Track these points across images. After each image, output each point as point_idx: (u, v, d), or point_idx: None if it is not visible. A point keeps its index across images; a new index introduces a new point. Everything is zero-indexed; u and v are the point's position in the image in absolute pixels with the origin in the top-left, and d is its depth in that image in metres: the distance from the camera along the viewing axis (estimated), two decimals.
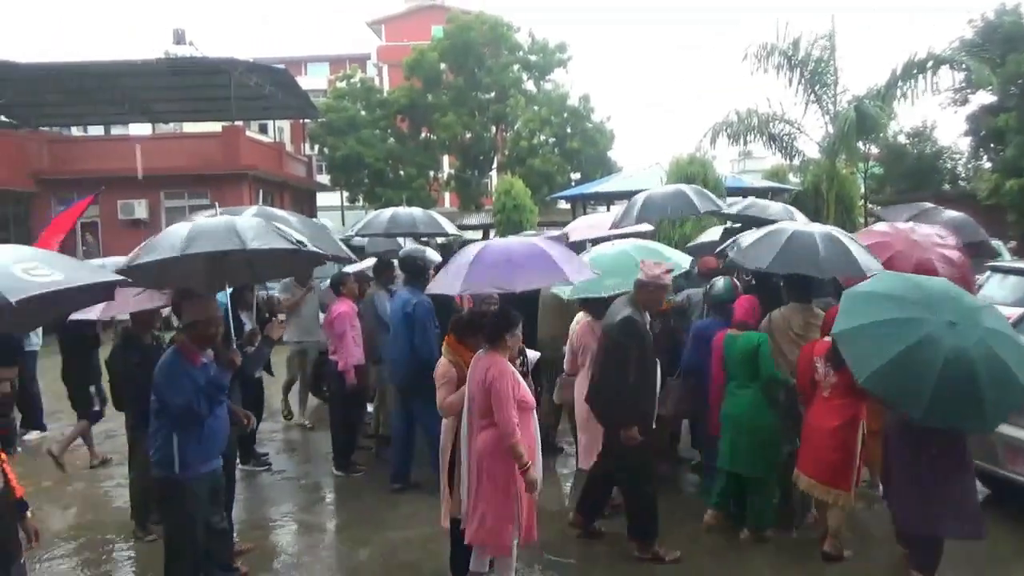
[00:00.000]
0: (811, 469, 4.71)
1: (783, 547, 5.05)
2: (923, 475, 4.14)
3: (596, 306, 5.68)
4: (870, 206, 20.39)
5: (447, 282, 4.57)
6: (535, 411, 4.29)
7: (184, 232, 4.02)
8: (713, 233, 8.49)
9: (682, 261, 5.96)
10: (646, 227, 8.60)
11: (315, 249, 4.53)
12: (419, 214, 8.69)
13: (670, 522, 5.13)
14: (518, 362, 4.54)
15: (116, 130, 28.18)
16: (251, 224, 4.26)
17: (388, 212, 8.78)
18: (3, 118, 23.50)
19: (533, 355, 5.18)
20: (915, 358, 3.78)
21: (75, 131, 28.14)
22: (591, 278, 4.84)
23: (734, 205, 7.92)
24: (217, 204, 5.27)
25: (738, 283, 5.87)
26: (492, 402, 4.03)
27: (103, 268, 4.12)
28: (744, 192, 18.84)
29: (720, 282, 5.74)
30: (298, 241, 4.27)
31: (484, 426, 4.12)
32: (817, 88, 15.77)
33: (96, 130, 28.07)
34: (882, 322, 3.95)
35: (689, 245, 8.50)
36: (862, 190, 18.67)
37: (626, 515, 5.05)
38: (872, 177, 27.11)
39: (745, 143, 16.62)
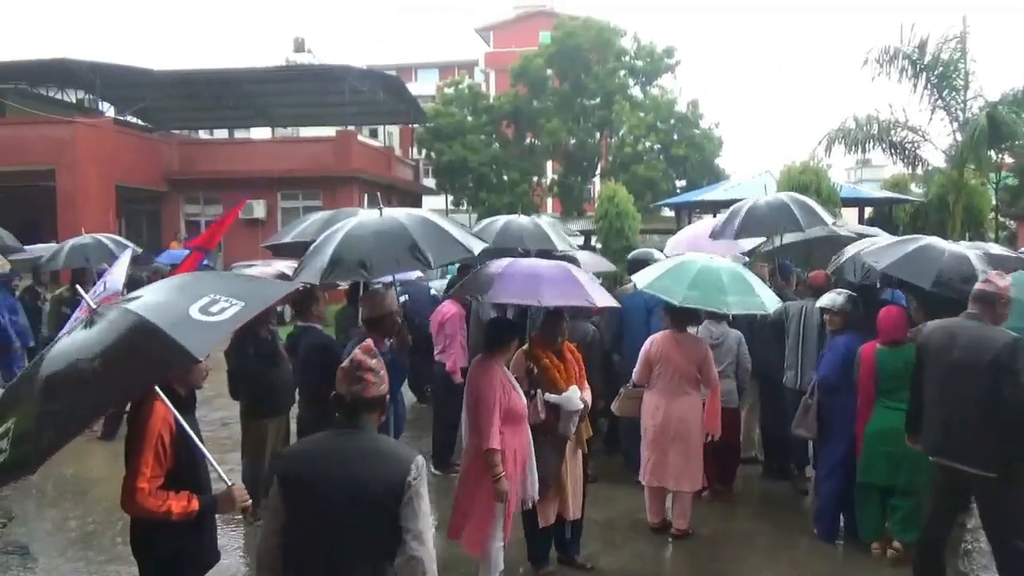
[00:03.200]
0: None
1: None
2: None
3: (680, 318, 5.56)
4: (1002, 220, 19.06)
5: (477, 287, 4.65)
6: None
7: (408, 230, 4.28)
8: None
9: (770, 302, 5.57)
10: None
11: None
12: (528, 227, 7.61)
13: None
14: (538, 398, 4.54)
15: (238, 133, 29.79)
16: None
17: (500, 222, 7.77)
18: (140, 122, 25.29)
19: (568, 399, 4.61)
20: None
21: (202, 134, 29.95)
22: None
23: None
24: (380, 199, 5.38)
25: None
26: (477, 412, 4.19)
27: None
28: (861, 203, 18.01)
29: (842, 298, 5.49)
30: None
31: (473, 432, 4.30)
32: (945, 93, 14.87)
33: (220, 133, 29.79)
34: None
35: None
36: (993, 203, 17.40)
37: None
38: (1005, 189, 25.24)
39: (863, 151, 15.86)
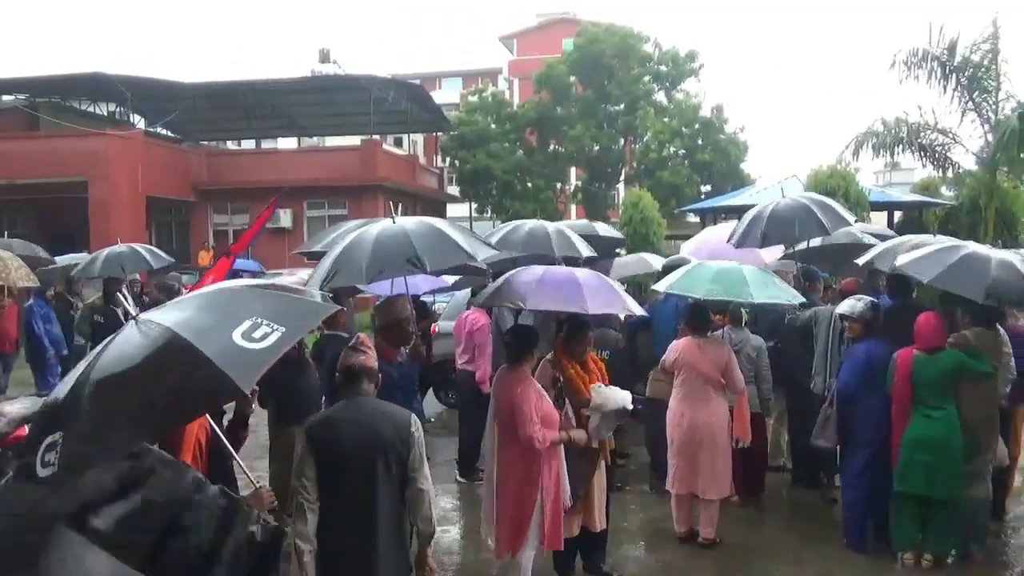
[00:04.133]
0: None
1: None
2: None
3: (698, 322, 5.56)
4: None
5: (515, 294, 4.55)
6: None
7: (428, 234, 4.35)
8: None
9: (795, 296, 5.68)
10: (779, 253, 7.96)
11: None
12: (528, 233, 6.97)
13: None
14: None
15: (265, 144, 30.15)
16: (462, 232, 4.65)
17: (508, 228, 7.31)
18: (169, 133, 25.69)
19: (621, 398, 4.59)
20: None
21: (230, 145, 30.37)
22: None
23: None
24: (392, 207, 5.44)
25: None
26: (516, 420, 4.19)
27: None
28: (890, 207, 17.74)
29: (861, 304, 5.39)
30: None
31: (508, 441, 4.33)
32: (975, 95, 14.66)
33: (248, 144, 30.17)
34: None
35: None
36: None
37: None
38: None
39: (892, 154, 15.66)
